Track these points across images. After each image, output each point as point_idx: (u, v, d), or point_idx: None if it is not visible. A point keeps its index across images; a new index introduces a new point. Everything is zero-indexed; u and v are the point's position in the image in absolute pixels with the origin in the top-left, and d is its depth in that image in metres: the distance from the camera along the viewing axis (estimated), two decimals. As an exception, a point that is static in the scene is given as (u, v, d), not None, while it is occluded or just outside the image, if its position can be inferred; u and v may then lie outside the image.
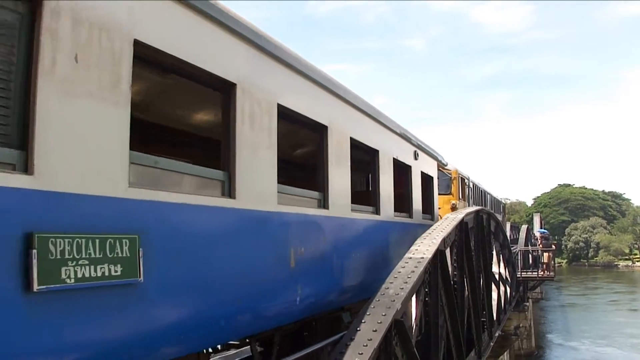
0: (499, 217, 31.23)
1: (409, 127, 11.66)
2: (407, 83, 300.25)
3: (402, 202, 11.69)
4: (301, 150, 9.73)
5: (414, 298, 7.47)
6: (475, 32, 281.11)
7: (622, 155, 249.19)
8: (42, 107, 3.64)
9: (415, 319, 7.94)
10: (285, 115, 6.75)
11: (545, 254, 28.18)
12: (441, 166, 16.06)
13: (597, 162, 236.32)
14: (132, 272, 4.21)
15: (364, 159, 9.76)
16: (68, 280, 3.72)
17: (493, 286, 14.37)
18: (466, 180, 23.30)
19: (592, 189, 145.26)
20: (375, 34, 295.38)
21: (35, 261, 3.48)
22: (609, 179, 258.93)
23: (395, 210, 10.75)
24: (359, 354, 5.53)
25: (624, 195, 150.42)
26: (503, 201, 42.42)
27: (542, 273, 27.43)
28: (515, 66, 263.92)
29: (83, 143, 3.96)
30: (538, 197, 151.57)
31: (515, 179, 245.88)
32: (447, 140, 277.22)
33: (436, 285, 8.19)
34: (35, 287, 3.48)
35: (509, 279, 18.78)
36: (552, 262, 28.55)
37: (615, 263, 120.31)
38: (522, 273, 25.24)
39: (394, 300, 6.39)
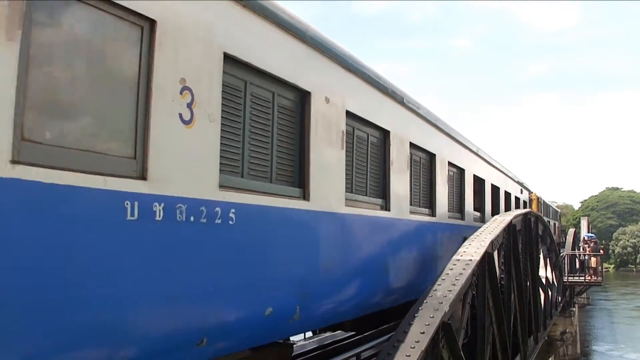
0: (557, 224, 43.47)
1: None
2: (453, 82, 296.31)
3: None
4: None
5: (461, 300, 7.38)
6: (522, 30, 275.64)
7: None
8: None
9: (462, 321, 7.84)
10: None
11: (594, 259, 27.44)
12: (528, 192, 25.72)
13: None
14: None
15: (508, 199, 18.58)
16: None
17: (540, 290, 14.10)
18: (540, 199, 33.29)
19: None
20: (421, 33, 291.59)
21: None
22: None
23: None
24: (407, 355, 5.50)
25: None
26: (550, 204, 43.74)
27: (589, 278, 26.73)
28: (563, 65, 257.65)
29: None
30: (585, 200, 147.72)
31: (563, 182, 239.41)
32: (493, 139, 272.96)
33: (483, 287, 8.10)
34: None
35: (555, 283, 18.39)
36: (600, 267, 27.81)
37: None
38: (569, 277, 24.67)
39: (441, 303, 6.34)
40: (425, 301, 6.40)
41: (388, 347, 5.70)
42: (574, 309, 25.35)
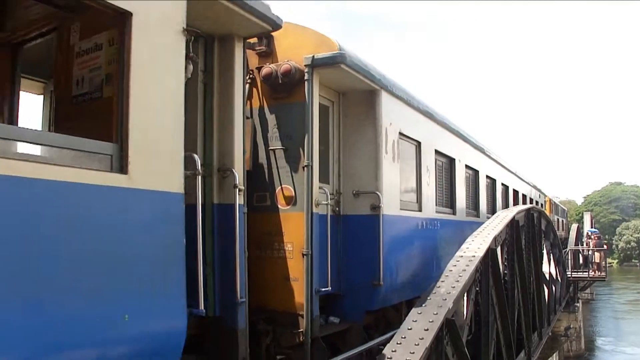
0: (564, 221, 47.84)
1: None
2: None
3: None
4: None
5: (464, 297, 7.37)
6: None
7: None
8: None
9: (466, 318, 7.83)
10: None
11: (597, 254, 27.41)
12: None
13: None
14: None
15: (531, 202, 24.14)
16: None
17: (543, 286, 14.07)
18: (552, 200, 38.13)
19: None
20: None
21: None
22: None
23: None
24: (411, 352, 5.49)
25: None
26: (558, 204, 45.19)
27: (593, 273, 26.71)
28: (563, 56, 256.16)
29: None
30: (588, 195, 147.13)
31: (566, 177, 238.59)
32: (503, 137, 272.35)
33: (487, 284, 8.08)
34: None
35: (559, 279, 18.37)
36: (604, 262, 27.78)
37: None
38: (573, 273, 24.64)
39: (445, 299, 6.33)
40: (428, 298, 6.39)
41: (392, 344, 5.69)
42: (578, 305, 25.33)
